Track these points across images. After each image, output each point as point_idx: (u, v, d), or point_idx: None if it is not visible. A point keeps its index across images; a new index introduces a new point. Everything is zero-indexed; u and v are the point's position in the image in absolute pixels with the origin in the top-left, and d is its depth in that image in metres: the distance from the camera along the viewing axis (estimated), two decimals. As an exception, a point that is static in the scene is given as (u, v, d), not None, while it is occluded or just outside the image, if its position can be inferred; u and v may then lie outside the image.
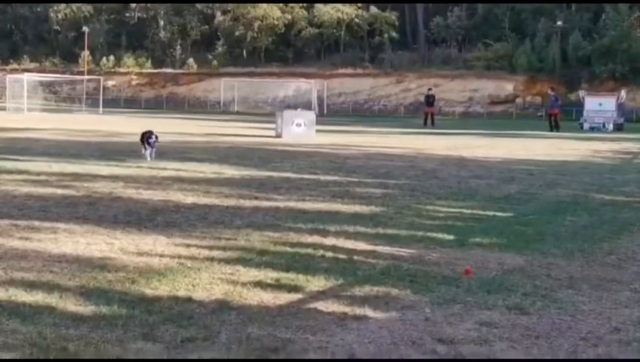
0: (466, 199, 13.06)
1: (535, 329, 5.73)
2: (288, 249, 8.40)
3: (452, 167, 18.94)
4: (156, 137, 18.49)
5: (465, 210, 11.80)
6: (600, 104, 47.84)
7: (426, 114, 46.84)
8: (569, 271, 7.74)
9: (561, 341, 5.50)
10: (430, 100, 47.79)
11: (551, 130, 41.44)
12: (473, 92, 78.41)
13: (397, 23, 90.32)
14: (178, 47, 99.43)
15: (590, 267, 8.03)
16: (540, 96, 72.09)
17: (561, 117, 45.54)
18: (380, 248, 8.61)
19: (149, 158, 18.07)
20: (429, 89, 50.71)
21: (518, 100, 76.73)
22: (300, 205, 11.78)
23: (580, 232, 10.14)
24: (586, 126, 46.30)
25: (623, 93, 51.57)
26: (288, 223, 10.06)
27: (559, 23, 76.03)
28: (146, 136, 18.52)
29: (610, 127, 45.80)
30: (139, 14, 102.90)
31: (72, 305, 5.93)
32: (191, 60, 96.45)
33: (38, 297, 6.10)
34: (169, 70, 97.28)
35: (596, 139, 34.72)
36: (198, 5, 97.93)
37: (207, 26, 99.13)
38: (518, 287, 6.97)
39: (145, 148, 18.52)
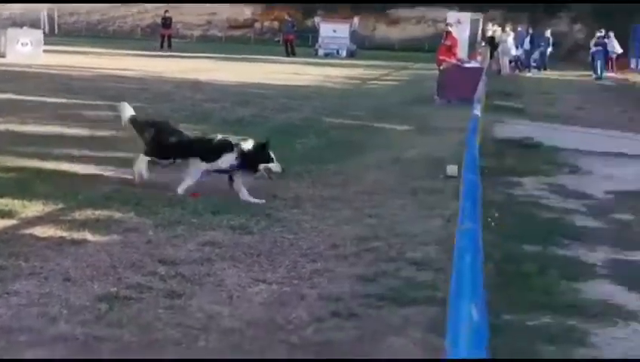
0: (199, 122, 12.94)
1: (257, 248, 5.80)
2: (2, 174, 7.89)
3: (187, 90, 18.72)
4: None
5: (197, 133, 11.69)
6: (334, 31, 49.19)
7: (162, 36, 46.00)
8: (296, 192, 7.91)
9: (281, 258, 5.61)
10: (167, 22, 46.92)
11: (287, 56, 42.15)
12: (211, 15, 77.86)
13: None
14: None
15: (315, 187, 8.24)
16: (278, 21, 73.01)
17: (297, 42, 46.46)
18: (106, 172, 8.37)
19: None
20: (166, 11, 49.62)
21: (257, 25, 77.28)
22: (21, 128, 11.14)
23: (309, 154, 10.38)
24: (320, 52, 47.43)
25: (355, 20, 53.37)
26: (5, 147, 9.45)
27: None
28: None
29: (344, 53, 47.30)
30: None
31: None
32: None
33: None
34: None
35: (330, 65, 35.72)
36: None
37: None
38: (244, 208, 7.02)
39: None
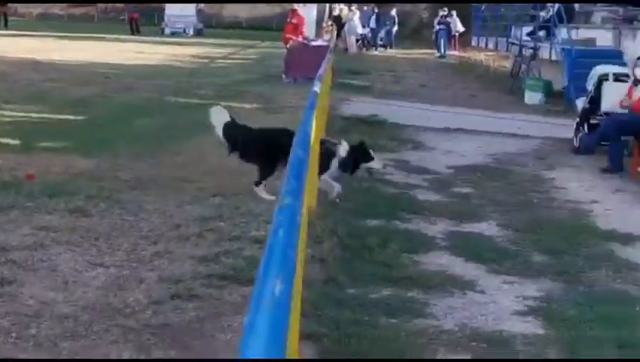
0: (36, 103, 12.45)
1: (95, 231, 5.61)
2: None
3: (25, 71, 17.96)
4: None
5: (34, 114, 11.27)
6: (181, 9, 48.45)
7: (-1, 14, 44.13)
8: (137, 173, 7.69)
9: (121, 241, 5.45)
10: (2, -1, 45.02)
11: (132, 34, 41.26)
12: (52, -7, 75.13)
13: None
14: None
15: (158, 168, 8.04)
16: (122, -1, 71.29)
17: (142, 21, 45.52)
18: None
19: None
20: (2, -13, 47.60)
21: (100, 4, 75.14)
22: None
23: (151, 134, 10.16)
24: (167, 31, 46.60)
25: (202, 0, 52.81)
26: None
27: None
28: None
29: (191, 32, 46.67)
30: None
31: None
32: None
33: None
34: None
35: (177, 43, 35.17)
36: None
37: None
38: (83, 190, 6.77)
39: None
